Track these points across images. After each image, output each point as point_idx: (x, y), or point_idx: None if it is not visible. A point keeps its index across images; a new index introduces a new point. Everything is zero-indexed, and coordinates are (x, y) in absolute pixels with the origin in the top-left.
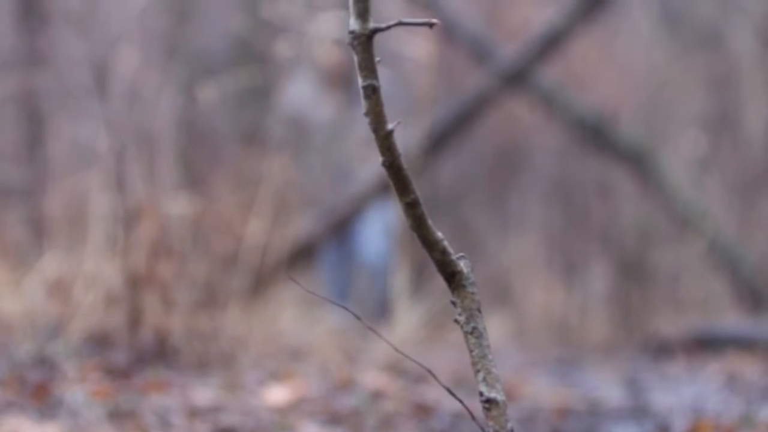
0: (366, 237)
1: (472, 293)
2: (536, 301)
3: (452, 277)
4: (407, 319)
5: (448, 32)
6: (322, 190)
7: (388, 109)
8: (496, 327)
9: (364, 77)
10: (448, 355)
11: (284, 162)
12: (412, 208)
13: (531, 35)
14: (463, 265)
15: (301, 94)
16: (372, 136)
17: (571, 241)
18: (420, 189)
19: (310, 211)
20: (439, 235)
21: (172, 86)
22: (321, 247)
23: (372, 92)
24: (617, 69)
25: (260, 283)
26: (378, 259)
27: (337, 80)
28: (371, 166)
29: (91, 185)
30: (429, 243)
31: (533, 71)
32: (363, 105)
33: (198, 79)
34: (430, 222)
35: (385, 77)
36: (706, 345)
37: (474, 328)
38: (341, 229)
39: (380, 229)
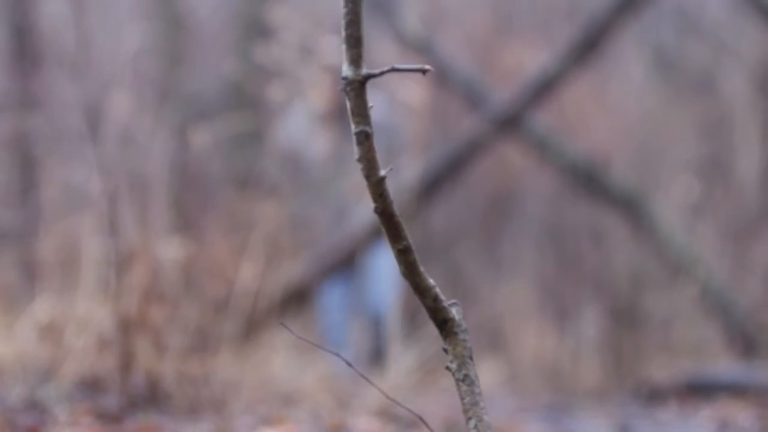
0: (375, 284)
1: (464, 340)
2: (528, 346)
3: (444, 324)
4: (399, 365)
5: (442, 77)
6: (317, 229)
7: (390, 140)
8: (487, 372)
9: (357, 123)
10: (441, 401)
11: (277, 205)
12: (404, 254)
13: (524, 80)
14: (454, 312)
15: (296, 130)
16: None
17: (563, 287)
18: (412, 234)
19: (305, 253)
20: (431, 281)
21: (165, 130)
22: (320, 291)
23: (364, 138)
24: (610, 114)
25: (252, 327)
26: (387, 308)
27: (332, 116)
28: (366, 206)
29: (84, 229)
30: (421, 290)
31: (526, 116)
32: (355, 151)
33: (191, 123)
34: (422, 269)
35: (384, 105)
36: (699, 391)
37: (466, 375)
38: (334, 272)
39: (389, 275)
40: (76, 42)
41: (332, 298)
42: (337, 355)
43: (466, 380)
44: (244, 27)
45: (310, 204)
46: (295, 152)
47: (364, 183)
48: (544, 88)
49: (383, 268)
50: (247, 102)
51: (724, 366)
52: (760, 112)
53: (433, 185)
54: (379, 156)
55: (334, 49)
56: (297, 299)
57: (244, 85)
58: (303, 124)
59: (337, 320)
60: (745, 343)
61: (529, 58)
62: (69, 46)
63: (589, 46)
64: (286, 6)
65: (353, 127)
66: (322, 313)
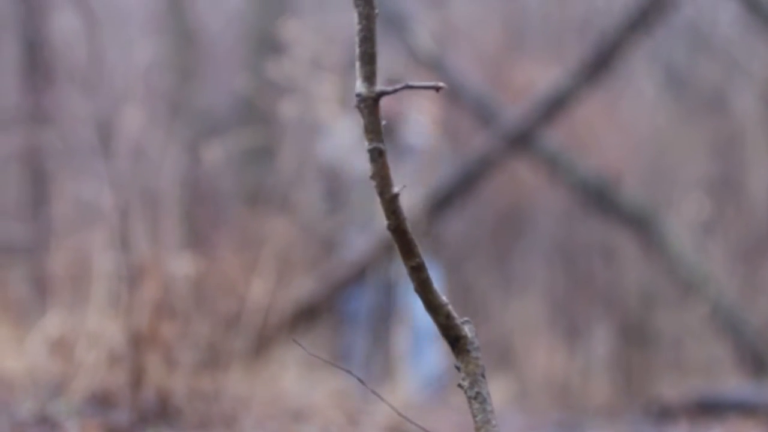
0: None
1: (476, 358)
2: (538, 363)
3: (456, 342)
4: (410, 381)
5: (454, 94)
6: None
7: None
8: (498, 389)
9: (371, 140)
10: (452, 418)
11: (288, 221)
12: (416, 272)
13: (535, 97)
14: (467, 330)
15: (339, 146)
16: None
17: (573, 304)
18: (424, 251)
19: (320, 268)
20: (444, 299)
21: (177, 145)
22: (346, 302)
23: (378, 155)
24: (621, 131)
25: (263, 343)
26: (429, 328)
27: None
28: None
29: (95, 244)
30: (433, 307)
31: (537, 133)
32: (369, 168)
33: (202, 138)
34: (434, 286)
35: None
36: (709, 410)
37: (478, 393)
38: (344, 290)
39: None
40: (88, 57)
41: (360, 310)
42: (349, 372)
43: (478, 398)
44: (256, 42)
45: (348, 222)
46: (335, 169)
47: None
48: (556, 106)
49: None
50: (258, 117)
51: (735, 385)
52: None
53: (444, 202)
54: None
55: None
56: (308, 315)
57: (256, 100)
58: (346, 141)
59: (359, 337)
60: (755, 362)
61: (541, 75)
62: (81, 61)
63: (600, 64)
64: (299, 21)
65: (366, 144)
66: (348, 326)
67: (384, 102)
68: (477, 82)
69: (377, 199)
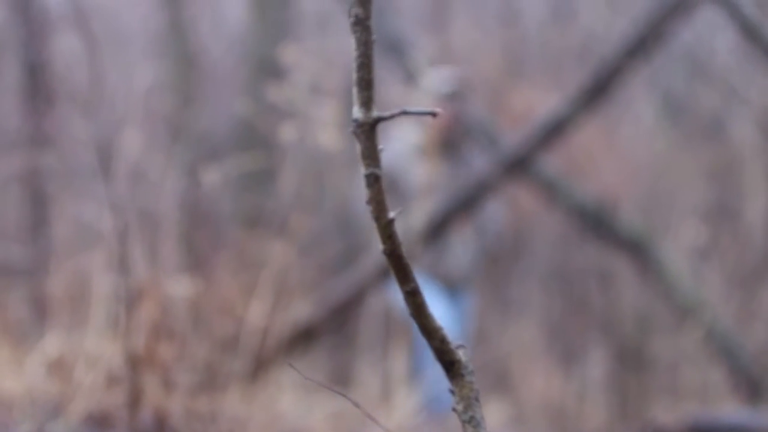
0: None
1: (471, 382)
2: (534, 387)
3: (451, 366)
4: (406, 404)
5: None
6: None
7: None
8: (493, 412)
9: (367, 165)
10: None
11: (287, 244)
12: (412, 296)
13: (534, 123)
14: (461, 354)
15: (398, 157)
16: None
17: (570, 328)
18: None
19: (320, 291)
20: (439, 323)
21: (176, 168)
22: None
23: (374, 180)
24: (619, 157)
25: (260, 365)
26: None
27: (441, 144)
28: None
29: (94, 266)
30: (428, 331)
31: (535, 158)
32: (365, 193)
33: (202, 161)
34: (429, 310)
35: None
36: None
37: (472, 417)
38: (342, 313)
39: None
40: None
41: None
42: (343, 395)
43: (472, 422)
44: (257, 66)
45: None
46: (393, 177)
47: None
48: (554, 131)
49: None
50: (258, 141)
51: (729, 409)
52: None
53: (441, 226)
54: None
55: (441, 79)
56: (306, 337)
57: (256, 124)
58: (405, 151)
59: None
60: (750, 387)
61: (539, 100)
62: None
63: (598, 90)
64: (299, 45)
65: (363, 170)
66: (418, 343)
67: (446, 119)
68: (476, 108)
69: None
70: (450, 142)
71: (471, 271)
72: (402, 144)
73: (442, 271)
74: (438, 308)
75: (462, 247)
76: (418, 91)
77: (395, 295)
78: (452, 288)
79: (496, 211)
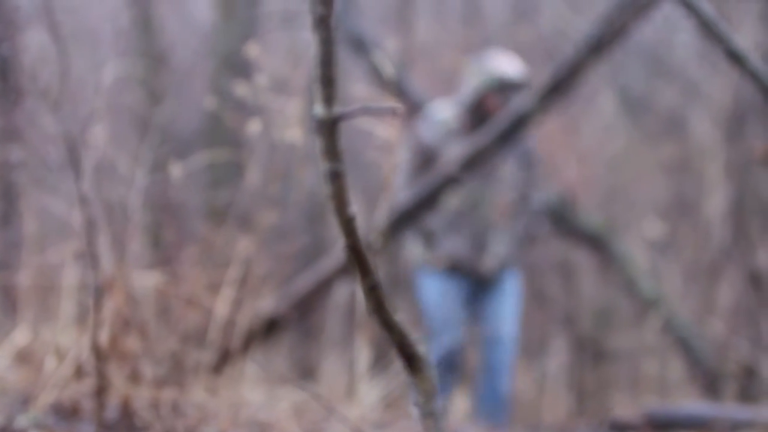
0: (501, 314)
1: (429, 376)
2: None
3: (410, 360)
4: (368, 396)
5: (415, 115)
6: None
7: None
8: (454, 404)
9: (328, 162)
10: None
11: (253, 239)
12: (372, 291)
13: (495, 120)
14: (421, 349)
15: (437, 131)
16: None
17: (530, 321)
18: (381, 267)
19: (283, 285)
20: (399, 318)
21: (145, 163)
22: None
23: (335, 177)
24: (579, 153)
25: (225, 357)
26: (511, 348)
27: (480, 122)
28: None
29: (63, 259)
30: (389, 326)
31: (497, 154)
32: (326, 189)
33: (170, 157)
34: (389, 306)
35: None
36: (661, 427)
37: (431, 410)
38: (306, 306)
39: (513, 308)
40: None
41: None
42: (304, 389)
43: (431, 415)
44: (224, 63)
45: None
46: (429, 153)
47: (505, 204)
48: (515, 128)
49: (509, 295)
50: (225, 137)
51: (687, 402)
52: (726, 154)
53: (403, 219)
54: (515, 167)
55: (510, 66)
56: (270, 330)
57: (223, 120)
58: (443, 129)
59: (449, 344)
60: (708, 380)
61: None
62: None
63: (559, 88)
64: (266, 43)
65: (324, 166)
66: (434, 333)
67: (497, 105)
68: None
69: (476, 202)
70: (555, 93)
71: (509, 258)
72: (439, 121)
73: (475, 264)
74: (450, 336)
75: (498, 237)
76: (480, 74)
77: (410, 246)
78: (488, 279)
79: (538, 193)
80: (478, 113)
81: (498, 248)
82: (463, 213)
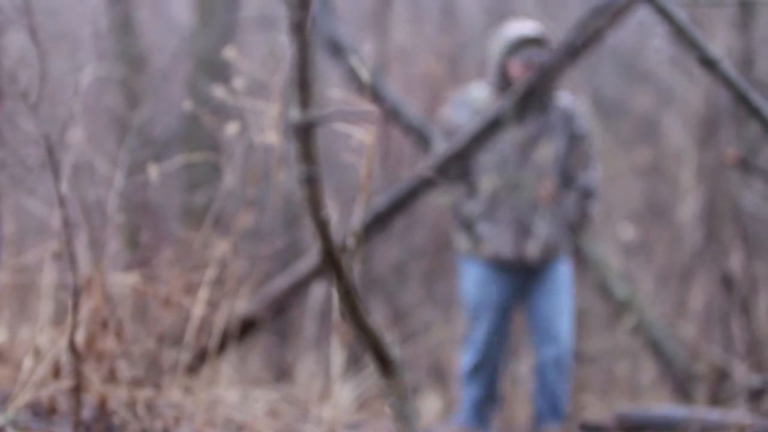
0: (553, 309)
1: (402, 378)
2: None
3: (383, 363)
4: (344, 397)
5: (392, 119)
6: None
7: (571, 128)
8: (427, 404)
9: (303, 165)
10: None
11: (231, 241)
12: (346, 294)
13: (470, 126)
14: (394, 351)
15: (471, 116)
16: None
17: None
18: (355, 268)
19: (264, 286)
20: (373, 321)
21: (123, 164)
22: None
23: (311, 181)
24: None
25: (201, 358)
26: (567, 346)
27: (519, 102)
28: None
29: (42, 259)
30: (362, 329)
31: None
32: (302, 192)
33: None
34: (363, 309)
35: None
36: (632, 429)
37: (403, 411)
38: (280, 309)
39: (566, 301)
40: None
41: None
42: (280, 390)
43: (403, 418)
44: (202, 66)
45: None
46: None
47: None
48: (490, 132)
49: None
50: (203, 139)
51: (659, 404)
52: (699, 159)
53: (377, 223)
54: (560, 143)
55: (524, 26)
56: (247, 331)
57: (201, 122)
58: (469, 112)
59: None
60: (680, 382)
61: None
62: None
63: (533, 92)
64: (244, 46)
65: (299, 170)
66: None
67: (524, 70)
68: (414, 109)
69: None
70: (529, 97)
71: (557, 245)
72: (470, 101)
73: (520, 254)
74: (491, 334)
75: (543, 222)
76: (497, 44)
77: (455, 235)
78: (535, 269)
79: (593, 177)
80: (505, 85)
81: (543, 234)
82: (503, 197)
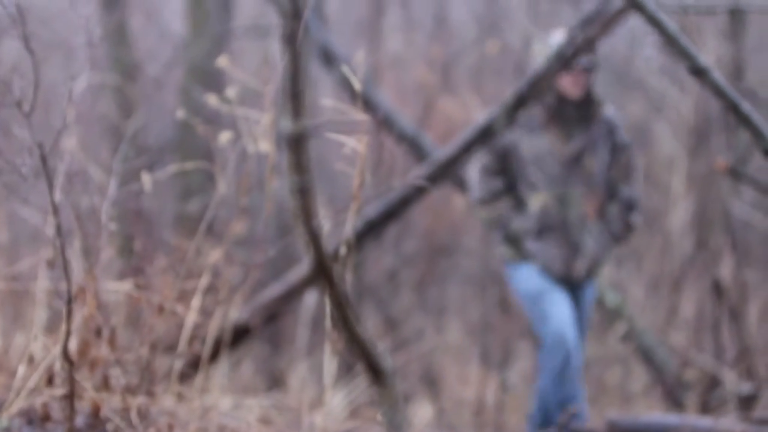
0: (579, 320)
1: (393, 386)
2: (460, 387)
3: (375, 372)
4: (335, 404)
5: (385, 129)
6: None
7: (614, 137)
8: (419, 411)
9: (295, 176)
10: None
11: (225, 249)
12: (338, 303)
13: (463, 134)
14: (385, 360)
15: (513, 126)
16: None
17: (494, 328)
18: (347, 276)
19: (259, 294)
20: (364, 330)
21: (116, 171)
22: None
23: (302, 191)
24: None
25: (194, 366)
26: (580, 354)
27: (563, 106)
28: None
29: (35, 267)
30: (354, 338)
31: (464, 166)
32: (293, 202)
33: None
34: (354, 318)
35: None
36: None
37: (394, 419)
38: (273, 317)
39: (589, 313)
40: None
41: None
42: (273, 398)
43: (394, 424)
44: (196, 74)
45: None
46: (506, 151)
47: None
48: (482, 140)
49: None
50: (197, 147)
51: (649, 411)
52: (689, 167)
53: (369, 231)
54: (604, 156)
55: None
56: (239, 338)
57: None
58: (515, 129)
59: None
60: (670, 390)
61: (468, 111)
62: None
63: (525, 100)
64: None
65: (291, 180)
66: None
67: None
68: (407, 118)
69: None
70: (578, 110)
71: (601, 261)
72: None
73: (569, 271)
74: (565, 309)
75: (591, 238)
76: (542, 52)
77: (499, 246)
78: (579, 284)
79: (636, 188)
80: (556, 98)
81: (591, 252)
82: (551, 214)
